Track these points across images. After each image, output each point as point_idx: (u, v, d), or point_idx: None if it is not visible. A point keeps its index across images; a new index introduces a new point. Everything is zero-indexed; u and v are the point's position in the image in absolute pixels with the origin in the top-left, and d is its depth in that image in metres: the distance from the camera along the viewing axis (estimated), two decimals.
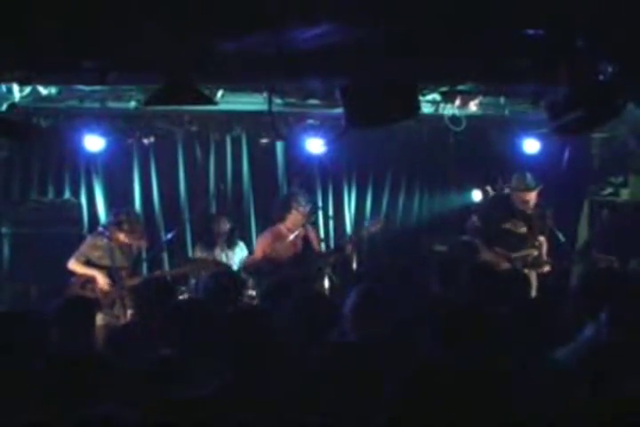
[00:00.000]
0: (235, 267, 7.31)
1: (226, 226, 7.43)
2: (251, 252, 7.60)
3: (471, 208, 8.01)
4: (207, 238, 7.48)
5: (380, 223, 7.49)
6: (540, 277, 7.09)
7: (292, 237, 7.11)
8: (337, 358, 2.91)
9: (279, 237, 7.16)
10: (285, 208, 7.15)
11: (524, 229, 7.12)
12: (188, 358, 3.08)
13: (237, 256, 7.47)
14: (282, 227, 7.19)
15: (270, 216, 7.55)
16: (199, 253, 7.44)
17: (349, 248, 7.22)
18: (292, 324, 3.84)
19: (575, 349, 3.36)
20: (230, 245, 7.46)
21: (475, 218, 7.37)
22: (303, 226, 7.18)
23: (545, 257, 7.15)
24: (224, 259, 7.34)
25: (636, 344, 3.05)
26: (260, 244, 7.31)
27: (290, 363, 3.00)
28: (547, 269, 7.06)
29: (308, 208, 7.18)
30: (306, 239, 7.27)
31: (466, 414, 2.22)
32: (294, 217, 7.10)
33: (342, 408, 2.65)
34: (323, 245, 7.92)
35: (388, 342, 3.57)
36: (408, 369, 2.39)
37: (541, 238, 7.15)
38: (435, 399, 2.25)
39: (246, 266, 7.19)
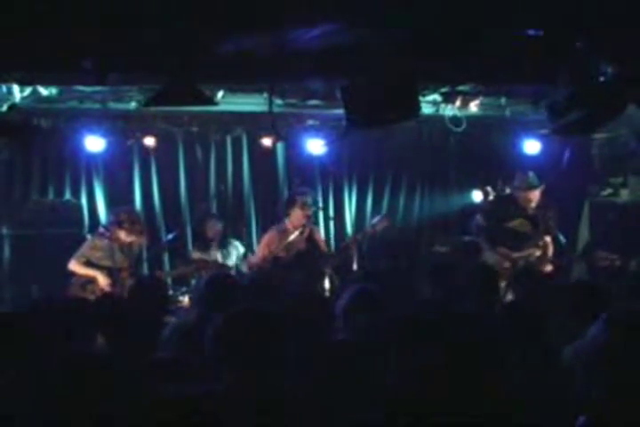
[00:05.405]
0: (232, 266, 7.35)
1: (216, 227, 7.43)
2: (251, 251, 7.61)
3: (474, 209, 7.98)
4: (201, 240, 7.51)
5: (386, 222, 7.33)
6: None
7: (296, 233, 7.05)
8: (335, 358, 2.91)
9: (284, 233, 7.08)
10: (290, 204, 7.11)
11: (528, 228, 7.10)
12: (188, 359, 3.08)
13: (234, 255, 7.47)
14: (287, 224, 7.11)
15: (275, 214, 7.53)
16: (197, 255, 7.45)
17: (353, 248, 7.18)
18: (288, 324, 3.82)
19: (579, 347, 3.35)
20: (224, 244, 7.46)
21: (479, 217, 7.35)
22: (306, 225, 7.14)
23: (549, 257, 7.13)
24: (220, 259, 7.36)
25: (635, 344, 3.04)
26: (266, 240, 7.20)
27: (289, 363, 2.99)
28: (549, 268, 7.03)
29: (311, 209, 7.14)
30: (312, 240, 7.21)
31: (465, 414, 2.23)
32: (297, 214, 7.05)
33: (342, 408, 2.66)
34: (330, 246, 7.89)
35: (383, 342, 3.56)
36: (406, 369, 2.39)
37: (547, 239, 7.10)
38: (433, 399, 2.25)
39: (249, 265, 7.17)
